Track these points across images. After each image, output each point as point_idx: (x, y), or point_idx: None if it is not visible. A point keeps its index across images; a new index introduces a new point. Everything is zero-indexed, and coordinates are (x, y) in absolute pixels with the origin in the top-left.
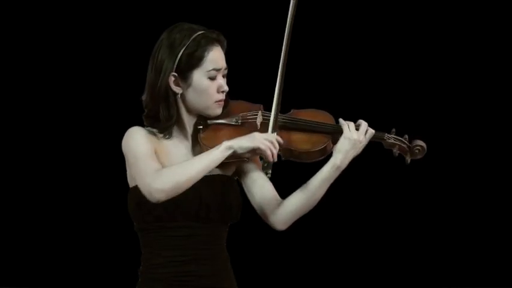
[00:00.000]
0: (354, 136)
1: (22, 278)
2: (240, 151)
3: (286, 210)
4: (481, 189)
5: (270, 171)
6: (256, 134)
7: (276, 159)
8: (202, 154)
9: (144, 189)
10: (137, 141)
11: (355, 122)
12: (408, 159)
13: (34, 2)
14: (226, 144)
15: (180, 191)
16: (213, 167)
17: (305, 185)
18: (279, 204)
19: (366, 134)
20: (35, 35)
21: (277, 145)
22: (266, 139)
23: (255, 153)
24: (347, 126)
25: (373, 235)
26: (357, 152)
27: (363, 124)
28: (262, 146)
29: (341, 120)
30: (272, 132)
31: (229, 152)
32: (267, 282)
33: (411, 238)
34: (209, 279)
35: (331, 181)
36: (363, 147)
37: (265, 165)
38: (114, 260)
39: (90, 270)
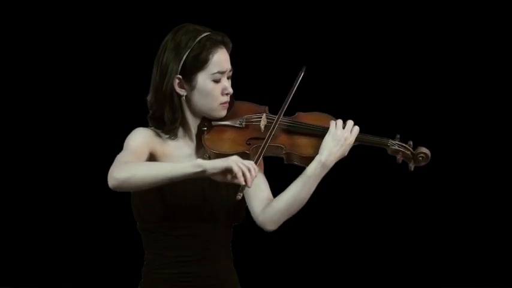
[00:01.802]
0: (338, 132)
1: (22, 278)
2: (211, 171)
3: (274, 209)
4: (481, 190)
5: (241, 194)
6: (233, 156)
7: (250, 185)
8: (174, 164)
9: (109, 173)
10: (133, 138)
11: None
12: (412, 166)
13: (39, 3)
14: (199, 162)
15: (133, 186)
16: (179, 179)
17: (292, 184)
18: (268, 204)
19: (351, 131)
20: (39, 38)
21: (254, 173)
22: (242, 163)
23: (229, 175)
24: (334, 123)
25: (374, 236)
26: (343, 150)
27: (349, 122)
28: (235, 167)
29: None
30: (255, 162)
31: (199, 169)
32: (271, 283)
33: (411, 238)
34: (212, 280)
35: (318, 179)
36: (349, 145)
37: (240, 187)
38: (117, 260)
39: (92, 270)
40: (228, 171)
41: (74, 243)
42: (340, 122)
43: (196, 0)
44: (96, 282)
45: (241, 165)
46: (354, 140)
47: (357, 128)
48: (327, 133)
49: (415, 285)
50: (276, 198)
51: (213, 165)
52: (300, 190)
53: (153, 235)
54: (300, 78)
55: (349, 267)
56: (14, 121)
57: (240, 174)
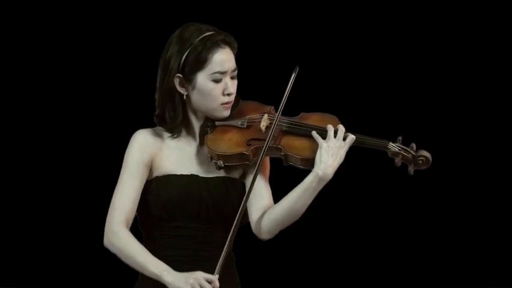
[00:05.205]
0: (330, 144)
1: (22, 278)
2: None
3: (268, 219)
4: (482, 189)
5: None
6: (193, 278)
7: None
8: (147, 266)
9: (105, 229)
10: (130, 159)
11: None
12: (411, 169)
13: (44, 3)
14: (164, 275)
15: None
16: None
17: (288, 195)
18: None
19: (344, 138)
20: (45, 39)
21: None
22: (200, 285)
23: None
24: (325, 136)
25: (374, 236)
26: (340, 159)
27: (340, 129)
28: None
29: (314, 133)
30: (216, 273)
31: (159, 279)
32: (272, 283)
33: (412, 238)
34: None
35: (315, 193)
36: (344, 153)
37: None
38: (115, 257)
39: (90, 268)
40: None
41: (74, 243)
42: (331, 131)
43: (204, 0)
44: (95, 281)
45: None
46: (348, 146)
47: (351, 136)
48: (319, 147)
49: (415, 285)
50: (271, 208)
51: (171, 285)
52: (295, 202)
53: (152, 233)
54: (293, 79)
55: (349, 268)
56: (16, 121)
57: None
